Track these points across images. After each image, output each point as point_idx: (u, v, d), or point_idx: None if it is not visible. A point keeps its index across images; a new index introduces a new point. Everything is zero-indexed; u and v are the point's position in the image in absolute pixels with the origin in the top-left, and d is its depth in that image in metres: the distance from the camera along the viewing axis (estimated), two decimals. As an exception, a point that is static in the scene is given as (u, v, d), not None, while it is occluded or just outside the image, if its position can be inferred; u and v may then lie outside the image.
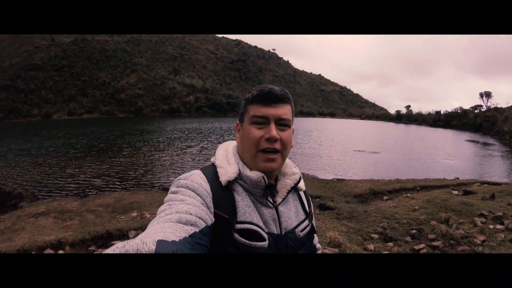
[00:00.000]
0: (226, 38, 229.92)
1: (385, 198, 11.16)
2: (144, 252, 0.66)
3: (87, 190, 12.70)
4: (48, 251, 6.31)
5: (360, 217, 8.47)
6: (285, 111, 1.17)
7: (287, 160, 1.28)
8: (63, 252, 6.38)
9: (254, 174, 1.14)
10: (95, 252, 6.16)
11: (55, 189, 12.90)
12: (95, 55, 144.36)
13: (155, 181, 14.35)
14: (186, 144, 28.67)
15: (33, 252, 6.25)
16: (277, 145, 1.14)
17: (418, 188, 12.44)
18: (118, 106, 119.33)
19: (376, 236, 7.00)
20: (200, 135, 37.22)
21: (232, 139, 1.36)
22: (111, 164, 18.24)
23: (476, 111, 79.44)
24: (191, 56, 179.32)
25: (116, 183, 14.03)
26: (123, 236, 7.14)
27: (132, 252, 0.66)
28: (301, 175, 1.31)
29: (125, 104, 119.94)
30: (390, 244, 6.58)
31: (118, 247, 0.67)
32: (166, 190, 12.18)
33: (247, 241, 1.06)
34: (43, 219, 8.50)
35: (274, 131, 1.13)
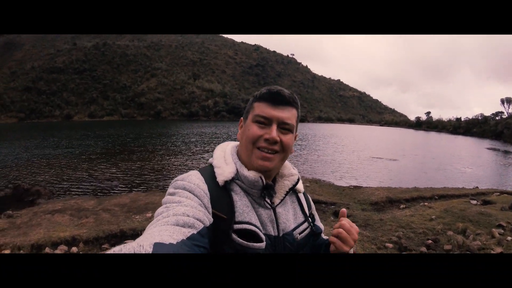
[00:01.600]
0: (245, 43, 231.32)
1: (401, 206, 10.96)
2: None
3: (104, 190, 12.88)
4: (62, 247, 6.43)
5: (375, 225, 8.34)
6: (289, 115, 1.16)
7: (286, 162, 1.27)
8: (76, 249, 6.49)
9: (252, 174, 1.13)
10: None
11: (73, 188, 13.14)
12: (116, 59, 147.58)
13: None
14: (202, 148, 28.86)
15: (47, 250, 6.36)
16: (276, 147, 1.13)
17: (436, 197, 12.19)
18: (138, 110, 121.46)
19: (390, 245, 6.87)
20: (217, 139, 37.34)
21: None
22: (128, 166, 18.46)
23: (497, 118, 77.88)
24: (210, 61, 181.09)
25: (133, 184, 14.18)
26: (137, 235, 7.17)
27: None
28: (300, 177, 1.30)
29: (145, 108, 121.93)
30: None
31: (115, 251, 0.66)
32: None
33: (245, 242, 1.05)
34: (59, 216, 8.65)
35: (274, 132, 1.11)
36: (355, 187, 14.61)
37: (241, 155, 1.20)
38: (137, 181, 14.66)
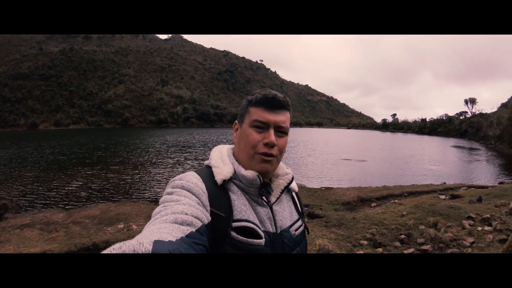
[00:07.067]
0: (214, 49, 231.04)
1: (373, 205, 11.19)
2: (140, 252, 0.66)
3: (73, 202, 12.49)
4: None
5: (348, 224, 8.46)
6: (284, 118, 1.19)
7: (280, 163, 1.29)
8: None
9: (250, 173, 1.15)
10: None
11: (40, 201, 12.68)
12: (83, 65, 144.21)
13: (142, 193, 14.19)
14: (175, 155, 28.58)
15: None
16: (274, 151, 1.16)
17: (406, 194, 12.53)
18: (105, 117, 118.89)
19: (365, 242, 6.99)
20: (190, 148, 36.95)
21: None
22: (97, 176, 18.01)
23: (461, 118, 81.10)
24: (179, 67, 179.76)
25: (102, 194, 13.83)
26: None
27: (128, 253, 0.65)
28: (293, 176, 1.33)
29: (112, 115, 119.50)
30: (380, 249, 6.58)
31: (114, 248, 0.67)
32: (153, 202, 12.08)
33: (244, 238, 1.06)
34: (28, 231, 8.33)
35: (273, 137, 1.15)
36: (327, 188, 14.81)
37: (238, 156, 1.23)
38: (107, 192, 14.30)
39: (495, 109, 72.98)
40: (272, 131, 1.15)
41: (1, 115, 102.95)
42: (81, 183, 15.92)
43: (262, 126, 1.16)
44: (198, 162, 24.06)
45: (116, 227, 8.64)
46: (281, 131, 1.18)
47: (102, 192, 14.22)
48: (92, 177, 17.58)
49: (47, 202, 12.49)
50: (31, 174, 18.57)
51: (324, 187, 15.17)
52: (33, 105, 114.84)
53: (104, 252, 0.66)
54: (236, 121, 1.28)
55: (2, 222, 9.45)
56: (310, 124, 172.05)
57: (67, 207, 11.64)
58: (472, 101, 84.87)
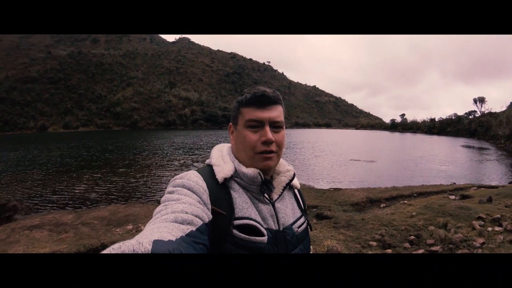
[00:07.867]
0: (221, 51, 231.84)
1: (382, 205, 11.10)
2: (140, 252, 0.66)
3: (82, 203, 12.58)
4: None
5: (357, 225, 8.40)
6: (277, 113, 1.19)
7: (281, 160, 1.30)
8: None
9: (251, 171, 1.15)
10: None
11: (50, 202, 12.80)
12: (91, 68, 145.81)
13: (151, 194, 14.24)
14: (183, 157, 28.68)
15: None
16: (273, 147, 1.16)
17: (415, 194, 12.41)
18: (113, 120, 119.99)
19: (374, 243, 6.93)
20: (198, 150, 37.05)
21: None
22: (106, 177, 18.15)
23: (470, 117, 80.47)
24: (187, 69, 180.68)
25: (111, 196, 13.91)
26: (119, 248, 7.03)
27: (128, 253, 0.65)
28: (295, 172, 1.32)
29: (121, 118, 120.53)
30: (389, 251, 6.53)
31: (114, 248, 0.66)
32: (161, 203, 12.10)
33: (246, 236, 1.06)
34: (38, 232, 8.38)
35: (269, 133, 1.15)
36: (335, 189, 14.71)
37: (238, 156, 1.23)
38: (116, 193, 14.38)
39: (504, 108, 72.47)
40: (267, 128, 1.15)
41: (11, 118, 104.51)
42: (89, 185, 16.04)
43: (257, 125, 1.16)
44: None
45: (125, 228, 8.67)
46: (277, 126, 1.18)
47: (111, 193, 14.30)
48: (100, 179, 17.71)
49: (56, 203, 12.59)
50: (40, 176, 18.76)
51: (333, 188, 15.08)
52: (42, 108, 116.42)
53: (104, 252, 0.66)
54: (230, 123, 1.28)
55: (11, 223, 9.53)
56: (318, 125, 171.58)
57: (76, 208, 11.71)
58: (481, 100, 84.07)
